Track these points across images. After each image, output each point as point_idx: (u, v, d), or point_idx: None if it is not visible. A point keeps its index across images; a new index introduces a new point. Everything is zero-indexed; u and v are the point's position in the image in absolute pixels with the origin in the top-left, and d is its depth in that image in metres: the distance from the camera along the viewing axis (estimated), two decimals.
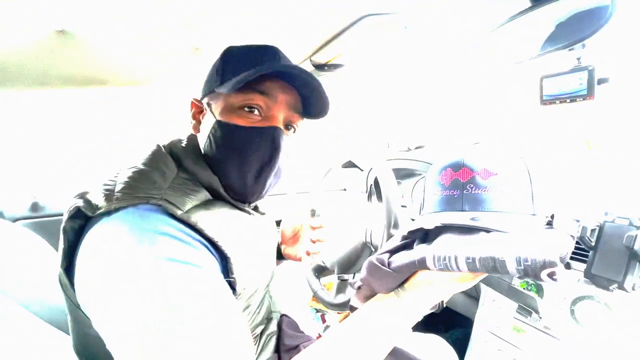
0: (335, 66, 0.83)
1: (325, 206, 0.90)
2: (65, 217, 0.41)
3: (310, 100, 0.54)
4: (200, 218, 0.43)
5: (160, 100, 1.01)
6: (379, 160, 0.73)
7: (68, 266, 0.41)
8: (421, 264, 0.38)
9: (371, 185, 0.86)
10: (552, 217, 0.42)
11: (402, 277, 0.42)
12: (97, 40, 0.62)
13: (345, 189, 1.76)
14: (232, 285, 0.45)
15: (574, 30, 0.59)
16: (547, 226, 0.41)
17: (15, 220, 1.13)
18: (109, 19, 0.55)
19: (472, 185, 0.42)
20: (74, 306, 0.44)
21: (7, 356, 0.57)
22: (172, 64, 0.77)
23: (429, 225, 0.42)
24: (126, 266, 0.35)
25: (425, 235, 0.45)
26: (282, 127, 0.52)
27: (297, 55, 0.78)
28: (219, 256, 0.44)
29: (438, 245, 0.39)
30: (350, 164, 1.83)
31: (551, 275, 0.30)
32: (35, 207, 1.15)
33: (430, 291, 0.41)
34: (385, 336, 0.42)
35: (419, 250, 0.40)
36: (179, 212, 0.41)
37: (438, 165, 0.48)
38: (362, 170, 1.66)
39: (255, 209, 0.64)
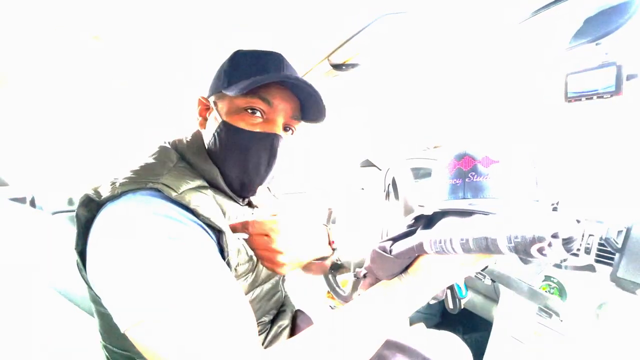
0: (352, 66, 0.84)
1: (343, 205, 0.91)
2: (77, 205, 0.46)
3: (308, 106, 0.59)
4: (194, 197, 0.47)
5: (186, 101, 1.06)
6: (397, 160, 0.73)
7: (82, 250, 0.46)
8: (419, 249, 0.39)
9: (389, 184, 0.87)
10: (557, 203, 0.41)
11: (403, 263, 0.42)
12: (127, 44, 0.67)
13: (363, 189, 1.76)
14: (227, 261, 0.47)
15: (600, 24, 0.57)
16: (552, 212, 0.41)
17: (54, 213, 1.24)
18: (138, 23, 0.59)
19: (473, 173, 0.43)
20: (89, 288, 0.48)
21: (45, 341, 0.62)
22: (195, 64, 0.81)
23: (428, 211, 0.44)
24: (125, 243, 0.39)
25: (429, 223, 0.46)
26: (281, 131, 0.57)
27: (315, 55, 0.80)
28: (213, 233, 0.47)
29: (436, 230, 0.40)
30: (368, 164, 1.83)
31: (541, 251, 0.30)
32: (71, 201, 1.26)
33: (431, 275, 0.41)
34: (385, 320, 0.43)
35: (418, 236, 0.41)
36: (173, 194, 0.45)
37: (444, 156, 0.49)
38: (380, 170, 1.65)
39: (249, 204, 0.67)
